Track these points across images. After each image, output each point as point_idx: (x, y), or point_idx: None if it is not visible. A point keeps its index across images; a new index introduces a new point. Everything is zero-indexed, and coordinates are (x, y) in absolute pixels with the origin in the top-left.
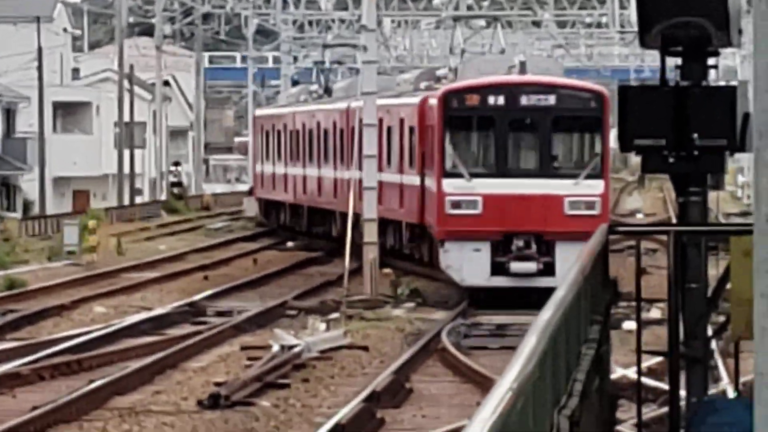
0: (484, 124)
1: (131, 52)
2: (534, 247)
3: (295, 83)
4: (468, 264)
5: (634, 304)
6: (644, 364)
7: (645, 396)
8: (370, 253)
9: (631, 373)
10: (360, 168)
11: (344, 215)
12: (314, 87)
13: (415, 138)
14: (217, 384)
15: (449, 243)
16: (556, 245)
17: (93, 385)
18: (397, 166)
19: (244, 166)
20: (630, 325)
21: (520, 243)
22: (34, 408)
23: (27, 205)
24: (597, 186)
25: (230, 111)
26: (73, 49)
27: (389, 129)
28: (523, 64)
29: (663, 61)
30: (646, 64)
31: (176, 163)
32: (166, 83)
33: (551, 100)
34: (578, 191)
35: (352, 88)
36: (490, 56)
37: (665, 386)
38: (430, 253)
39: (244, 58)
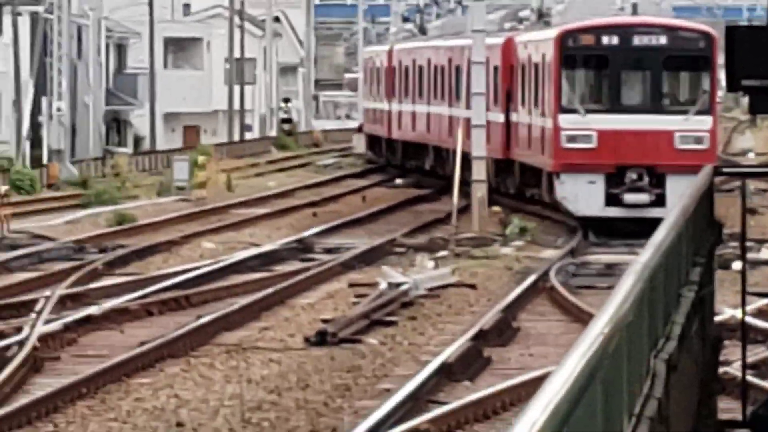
0: (598, 62)
1: None
2: (646, 179)
3: (405, 20)
4: (583, 195)
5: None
6: (753, 306)
7: (754, 337)
8: (479, 191)
9: (740, 314)
10: (467, 106)
11: (453, 152)
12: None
13: (499, 77)
14: (325, 321)
15: (565, 175)
16: (667, 178)
17: (200, 321)
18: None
19: (354, 103)
20: (740, 265)
21: (633, 175)
22: (142, 343)
23: (137, 141)
24: (705, 122)
25: (340, 48)
26: None
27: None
28: (635, 6)
29: None
30: (759, 2)
31: (286, 100)
32: (277, 19)
33: (662, 40)
34: (688, 126)
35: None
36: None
37: None
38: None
39: None
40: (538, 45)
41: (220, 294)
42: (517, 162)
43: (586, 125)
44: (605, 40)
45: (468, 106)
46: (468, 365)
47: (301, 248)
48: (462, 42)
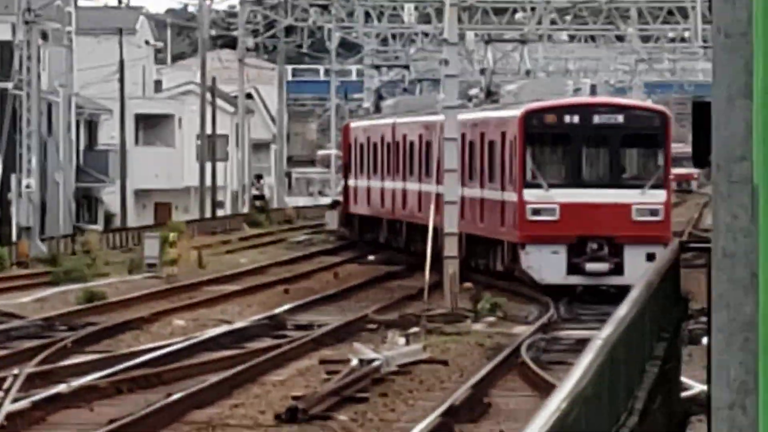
0: (560, 140)
1: (214, 65)
2: (606, 249)
3: (379, 97)
4: (547, 264)
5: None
6: None
7: None
8: (451, 267)
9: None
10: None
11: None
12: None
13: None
14: (295, 398)
15: (530, 246)
16: (625, 248)
17: (171, 399)
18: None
19: (326, 179)
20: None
21: (594, 246)
22: (112, 421)
23: (108, 218)
24: (660, 195)
25: (313, 124)
26: (156, 61)
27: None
28: (593, 87)
29: None
30: None
31: (259, 176)
32: (249, 96)
33: (620, 118)
34: (644, 200)
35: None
36: (541, 80)
37: None
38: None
39: (327, 71)
40: (498, 122)
41: (190, 371)
42: (463, 234)
43: (550, 199)
44: (567, 118)
45: (439, 182)
46: None
47: (273, 325)
48: (431, 119)
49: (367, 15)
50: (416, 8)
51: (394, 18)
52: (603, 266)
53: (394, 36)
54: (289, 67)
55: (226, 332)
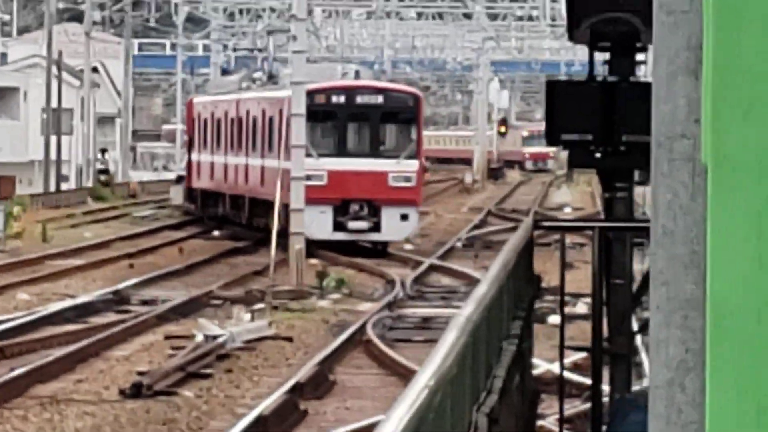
0: (328, 116)
1: (60, 38)
2: (366, 210)
3: (224, 72)
4: (315, 223)
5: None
6: (569, 360)
7: (569, 391)
8: (297, 244)
9: (556, 368)
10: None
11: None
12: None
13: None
14: (140, 373)
15: (306, 207)
16: (382, 209)
17: (14, 373)
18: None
19: (171, 154)
20: (555, 319)
21: (356, 207)
22: None
23: None
24: (412, 164)
25: (159, 99)
26: (2, 34)
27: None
28: (357, 72)
29: (591, 56)
30: (577, 58)
31: (103, 150)
32: (95, 70)
33: (380, 99)
34: (398, 168)
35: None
36: (314, 65)
37: (589, 381)
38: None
39: (173, 46)
40: (276, 102)
41: (34, 346)
42: (246, 197)
43: (319, 167)
44: (334, 99)
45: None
46: (284, 418)
47: (117, 300)
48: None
49: None
50: None
51: None
52: (363, 224)
53: (241, 11)
54: (136, 42)
55: (70, 307)
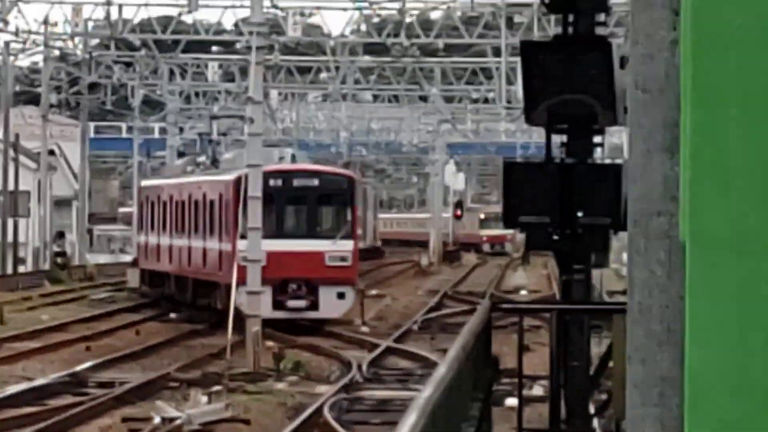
0: (266, 199)
1: (17, 121)
2: (304, 289)
3: (181, 154)
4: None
5: (517, 380)
6: None
7: None
8: (253, 326)
9: None
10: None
11: (228, 287)
12: (202, 158)
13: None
14: None
15: (242, 287)
16: (319, 287)
17: None
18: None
19: (128, 237)
20: (513, 401)
21: (294, 286)
22: None
23: None
24: (348, 244)
25: (115, 181)
26: None
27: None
28: (293, 156)
29: (549, 138)
30: (533, 140)
31: (61, 233)
32: (52, 152)
33: (315, 182)
34: (335, 248)
35: (240, 160)
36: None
37: None
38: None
39: (129, 129)
40: (216, 185)
41: None
42: (190, 278)
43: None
44: (272, 182)
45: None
46: None
47: (75, 382)
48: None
49: (171, 72)
50: (220, 66)
51: (197, 76)
52: (302, 303)
53: (197, 94)
54: (92, 124)
55: (27, 389)
